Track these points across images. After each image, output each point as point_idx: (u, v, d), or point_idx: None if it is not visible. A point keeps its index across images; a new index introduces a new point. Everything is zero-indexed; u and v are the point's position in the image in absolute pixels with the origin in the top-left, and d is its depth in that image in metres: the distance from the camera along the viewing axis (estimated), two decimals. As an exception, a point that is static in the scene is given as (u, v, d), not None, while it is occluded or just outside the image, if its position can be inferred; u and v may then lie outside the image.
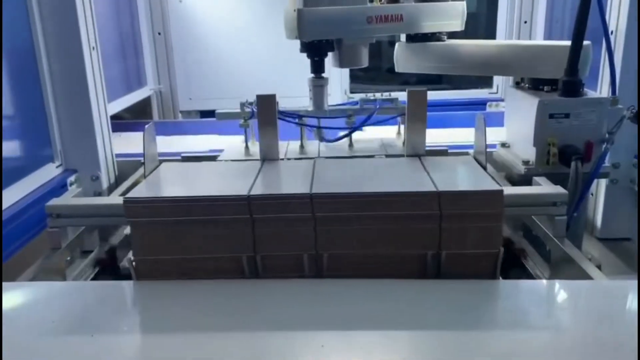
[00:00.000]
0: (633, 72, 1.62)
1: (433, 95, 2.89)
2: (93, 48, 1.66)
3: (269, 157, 1.22)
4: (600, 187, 1.76)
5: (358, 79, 3.50)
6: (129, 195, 1.01)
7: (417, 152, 1.23)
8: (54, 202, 1.16)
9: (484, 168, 1.14)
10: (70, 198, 1.25)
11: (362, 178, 1.10)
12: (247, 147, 1.59)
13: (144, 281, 1.00)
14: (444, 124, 2.23)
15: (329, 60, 1.56)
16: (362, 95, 1.64)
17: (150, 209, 0.99)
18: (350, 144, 1.59)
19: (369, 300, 0.92)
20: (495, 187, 0.99)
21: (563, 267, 1.12)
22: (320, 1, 1.41)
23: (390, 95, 1.60)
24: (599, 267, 1.52)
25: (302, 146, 1.59)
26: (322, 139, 1.58)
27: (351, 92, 2.92)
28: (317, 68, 1.52)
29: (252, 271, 1.00)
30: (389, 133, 1.73)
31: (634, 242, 1.74)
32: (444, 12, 1.61)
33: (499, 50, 1.60)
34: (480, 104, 2.70)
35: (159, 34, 2.73)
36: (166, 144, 2.13)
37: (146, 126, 1.18)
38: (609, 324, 0.84)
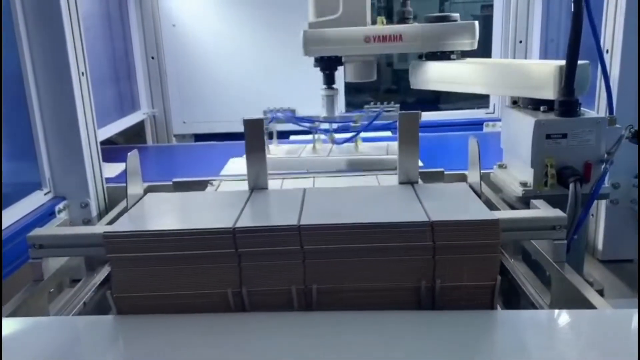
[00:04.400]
0: (630, 90, 1.59)
1: (430, 116, 2.87)
2: (82, 74, 1.64)
3: (257, 185, 1.18)
4: (600, 208, 1.72)
5: (355, 99, 3.49)
6: (110, 229, 0.97)
7: (410, 179, 1.19)
8: (36, 232, 1.11)
9: (479, 195, 1.10)
10: (53, 228, 1.21)
11: (352, 208, 1.06)
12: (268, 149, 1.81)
13: (126, 316, 0.95)
14: (440, 145, 2.21)
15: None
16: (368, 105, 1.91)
17: (131, 244, 0.94)
18: (356, 146, 1.89)
19: (360, 332, 0.88)
20: (491, 216, 0.95)
21: (564, 294, 1.08)
22: (324, 23, 1.65)
23: (392, 103, 1.84)
24: (601, 291, 1.49)
25: (314, 147, 1.91)
26: (333, 141, 1.87)
27: (347, 112, 2.89)
28: (328, 80, 1.76)
29: (239, 306, 0.95)
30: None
31: (636, 263, 1.70)
32: (448, 32, 1.66)
33: (508, 70, 1.58)
34: (477, 124, 2.68)
35: (152, 58, 2.72)
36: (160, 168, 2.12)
37: (129, 154, 1.15)
38: (614, 356, 0.80)
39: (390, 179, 1.49)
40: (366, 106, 1.85)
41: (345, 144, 1.88)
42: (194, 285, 0.95)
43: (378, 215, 0.97)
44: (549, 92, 1.41)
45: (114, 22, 2.50)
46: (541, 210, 1.15)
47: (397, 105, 1.84)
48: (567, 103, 1.38)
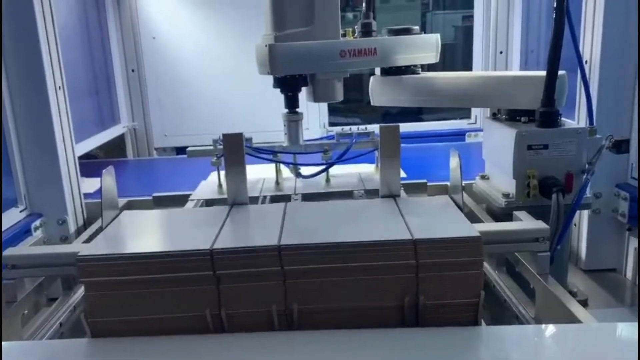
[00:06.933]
0: (609, 101, 1.61)
1: (413, 127, 2.88)
2: (59, 88, 1.61)
3: (237, 201, 1.15)
4: (582, 217, 1.72)
5: (339, 111, 3.49)
6: (83, 252, 0.94)
7: (393, 192, 1.17)
8: (10, 251, 1.08)
9: (461, 209, 1.09)
10: (27, 247, 1.18)
11: (334, 224, 1.04)
12: (220, 185, 1.59)
13: (100, 339, 0.92)
14: (423, 156, 2.21)
15: (303, 95, 1.54)
16: (339, 129, 1.66)
17: (105, 268, 0.92)
18: (327, 179, 1.57)
19: (344, 352, 0.86)
20: (473, 233, 0.94)
21: (549, 307, 1.07)
22: (291, 36, 1.40)
23: (366, 128, 1.59)
24: (585, 301, 1.49)
25: (277, 182, 1.60)
26: (298, 174, 1.56)
27: (330, 125, 2.88)
28: (291, 103, 1.50)
29: (218, 328, 0.93)
30: (368, 168, 1.73)
31: (619, 272, 1.70)
32: (418, 45, 1.59)
33: (473, 82, 1.58)
34: (460, 135, 2.69)
35: (133, 70, 2.69)
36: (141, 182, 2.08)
37: (104, 171, 1.12)
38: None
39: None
40: (337, 132, 1.61)
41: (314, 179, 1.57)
42: (171, 309, 0.92)
43: (360, 233, 0.95)
44: (532, 103, 1.41)
45: (93, 35, 2.47)
46: (524, 222, 1.14)
47: (372, 132, 1.58)
48: (548, 114, 1.38)
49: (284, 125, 1.53)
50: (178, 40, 2.69)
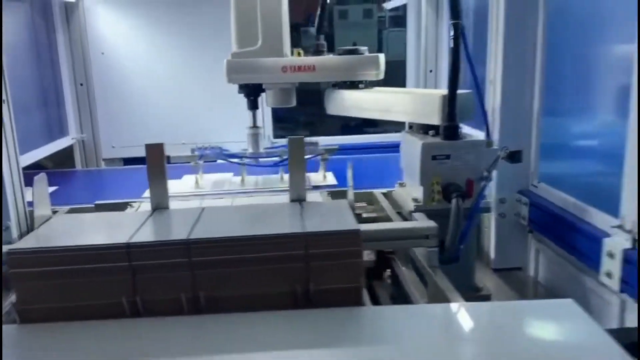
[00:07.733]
0: (511, 115, 1.79)
1: (353, 139, 3.06)
2: (4, 101, 1.69)
3: (160, 206, 1.29)
4: (491, 221, 1.90)
5: (287, 125, 3.63)
6: (12, 247, 1.05)
7: (300, 197, 1.33)
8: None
9: (354, 210, 1.24)
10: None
11: (240, 223, 1.19)
12: (196, 182, 2.03)
13: (28, 325, 1.03)
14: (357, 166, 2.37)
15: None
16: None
17: (33, 260, 1.03)
18: (282, 178, 2.05)
19: (244, 331, 0.99)
20: (354, 227, 1.09)
21: (436, 294, 1.22)
22: (246, 53, 1.78)
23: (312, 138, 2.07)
24: (489, 296, 1.66)
25: (242, 180, 2.05)
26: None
27: (275, 137, 3.03)
28: (252, 105, 1.91)
29: (134, 313, 1.05)
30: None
31: (525, 271, 1.88)
32: (356, 64, 1.81)
33: (390, 99, 1.75)
34: (395, 147, 2.85)
35: (81, 84, 2.78)
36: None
37: (35, 178, 1.22)
38: (447, 341, 0.97)
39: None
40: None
41: (272, 176, 2.06)
42: (92, 297, 1.04)
43: (261, 229, 1.09)
44: (435, 118, 1.58)
45: (41, 51, 2.55)
46: (416, 222, 1.30)
47: (317, 141, 2.02)
48: (450, 128, 1.55)
49: (248, 138, 1.94)
50: (127, 56, 2.80)
